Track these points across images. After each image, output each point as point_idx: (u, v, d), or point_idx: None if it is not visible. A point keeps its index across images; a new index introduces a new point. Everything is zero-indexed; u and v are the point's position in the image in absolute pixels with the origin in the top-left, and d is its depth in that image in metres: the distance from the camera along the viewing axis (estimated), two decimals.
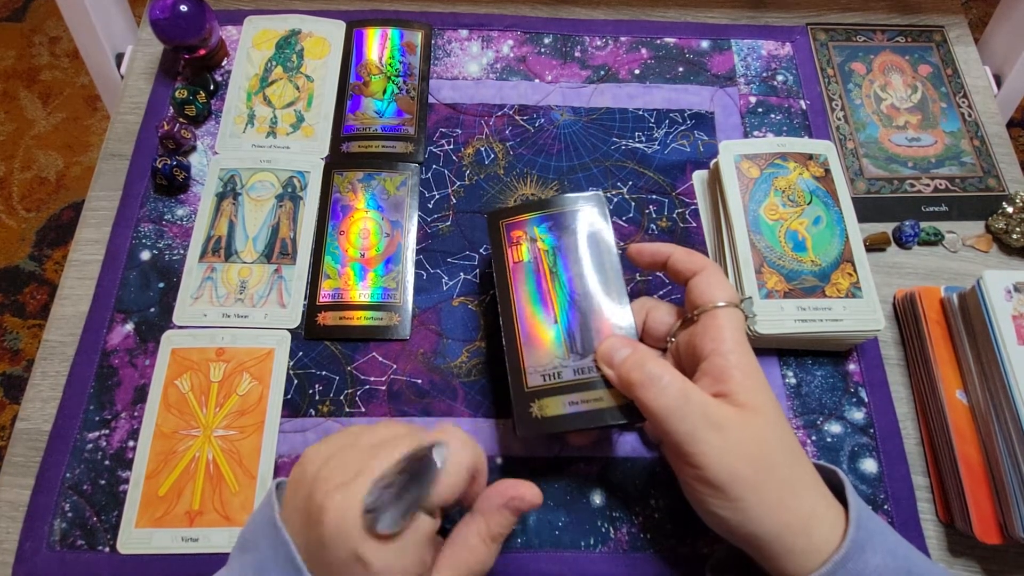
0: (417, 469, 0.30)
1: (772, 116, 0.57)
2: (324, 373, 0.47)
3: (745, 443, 0.33)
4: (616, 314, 0.40)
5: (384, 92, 0.57)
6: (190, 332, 0.48)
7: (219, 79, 0.58)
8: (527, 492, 0.34)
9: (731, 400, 0.34)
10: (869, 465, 0.45)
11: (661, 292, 0.50)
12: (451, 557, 0.33)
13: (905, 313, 0.50)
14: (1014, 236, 0.52)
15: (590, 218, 0.43)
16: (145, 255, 0.50)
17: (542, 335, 0.40)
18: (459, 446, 0.33)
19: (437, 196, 0.53)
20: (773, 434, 0.34)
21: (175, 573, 0.41)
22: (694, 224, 0.53)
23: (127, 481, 0.43)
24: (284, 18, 0.60)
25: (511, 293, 0.42)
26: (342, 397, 0.46)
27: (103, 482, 0.43)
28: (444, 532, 0.39)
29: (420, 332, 0.49)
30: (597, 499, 0.44)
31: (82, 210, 0.53)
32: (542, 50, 0.60)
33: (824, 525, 0.32)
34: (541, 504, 0.34)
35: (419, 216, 0.53)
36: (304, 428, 0.45)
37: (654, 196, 0.54)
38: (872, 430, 0.46)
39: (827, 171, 0.49)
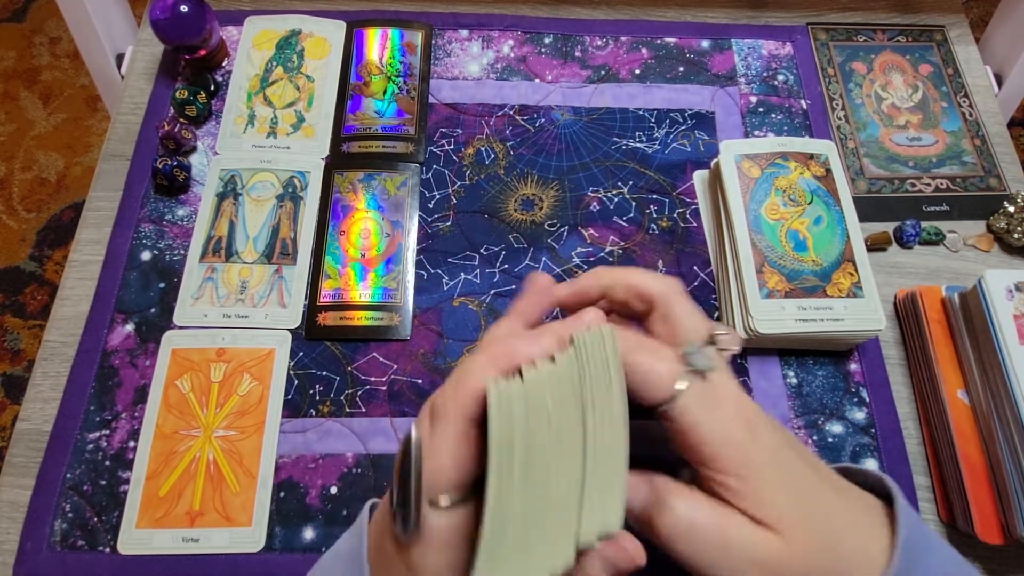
0: (408, 463, 0.24)
1: (773, 116, 0.57)
2: (324, 373, 0.47)
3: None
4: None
5: (384, 92, 0.57)
6: (191, 332, 0.48)
7: (219, 79, 0.58)
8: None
9: (763, 522, 0.26)
10: (870, 465, 0.45)
11: None
12: None
13: (906, 313, 0.50)
14: (1015, 235, 0.52)
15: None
16: (145, 255, 0.50)
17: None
18: (439, 415, 0.25)
19: (437, 196, 0.53)
20: (817, 549, 0.26)
21: (176, 573, 0.41)
22: (695, 224, 0.53)
23: (127, 481, 0.43)
24: (284, 18, 0.60)
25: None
26: (342, 397, 0.46)
27: (103, 482, 0.43)
28: None
29: (420, 332, 0.49)
30: None
31: (82, 210, 0.53)
32: (542, 50, 0.60)
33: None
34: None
35: (419, 216, 0.52)
36: (304, 428, 0.45)
37: (655, 196, 0.54)
38: (873, 430, 0.46)
39: (828, 171, 0.49)
